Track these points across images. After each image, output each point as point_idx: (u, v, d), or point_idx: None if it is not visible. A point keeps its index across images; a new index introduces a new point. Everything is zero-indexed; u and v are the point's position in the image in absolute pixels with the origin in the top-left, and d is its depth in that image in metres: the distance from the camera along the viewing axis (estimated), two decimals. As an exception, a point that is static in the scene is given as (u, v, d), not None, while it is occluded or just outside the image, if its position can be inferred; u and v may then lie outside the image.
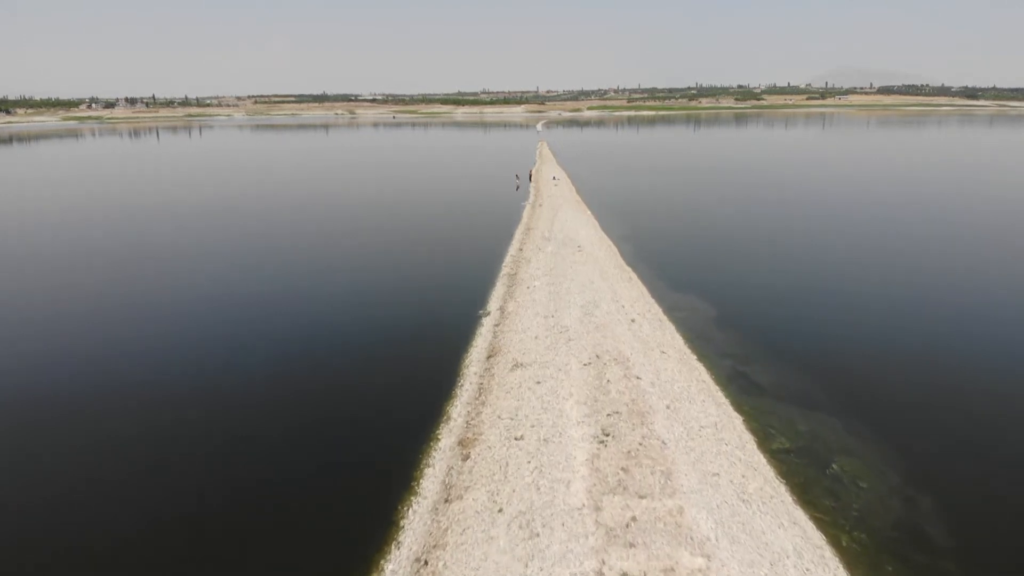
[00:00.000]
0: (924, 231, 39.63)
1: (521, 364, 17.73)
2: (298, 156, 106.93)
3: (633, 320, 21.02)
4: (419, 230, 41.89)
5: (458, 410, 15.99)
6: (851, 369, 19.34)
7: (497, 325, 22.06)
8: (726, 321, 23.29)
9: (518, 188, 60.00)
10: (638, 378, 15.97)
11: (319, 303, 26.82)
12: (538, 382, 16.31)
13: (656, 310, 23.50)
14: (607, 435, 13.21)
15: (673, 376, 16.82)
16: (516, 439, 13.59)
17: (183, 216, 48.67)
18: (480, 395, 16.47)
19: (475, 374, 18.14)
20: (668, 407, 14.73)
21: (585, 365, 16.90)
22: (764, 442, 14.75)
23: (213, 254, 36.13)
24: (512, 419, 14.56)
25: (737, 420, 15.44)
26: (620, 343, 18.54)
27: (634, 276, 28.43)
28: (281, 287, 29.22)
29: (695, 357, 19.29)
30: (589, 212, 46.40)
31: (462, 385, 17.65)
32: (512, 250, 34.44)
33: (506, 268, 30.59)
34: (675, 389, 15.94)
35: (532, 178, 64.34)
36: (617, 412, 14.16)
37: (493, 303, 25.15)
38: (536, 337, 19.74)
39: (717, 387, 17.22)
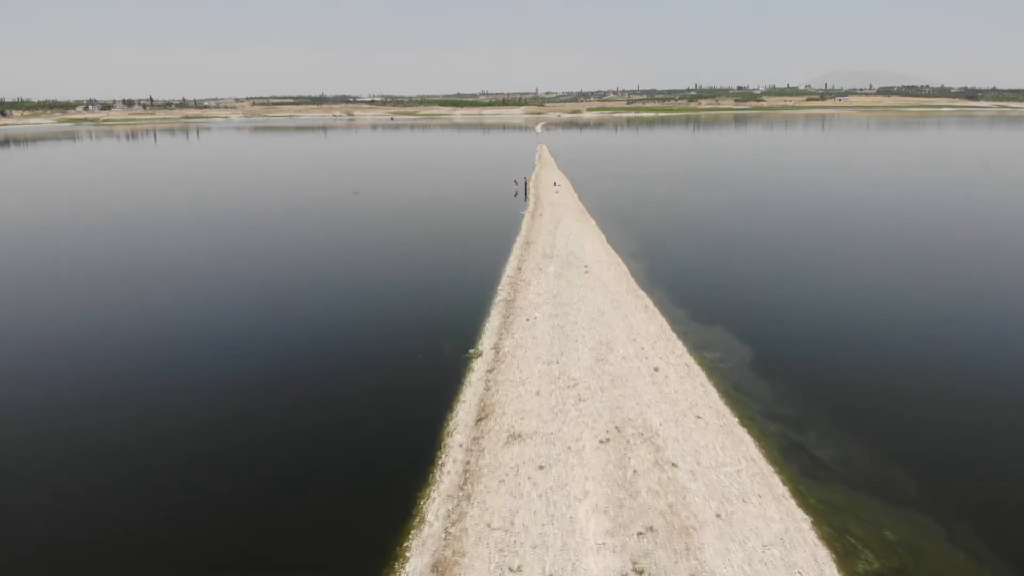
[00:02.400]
0: (974, 240, 35.80)
1: (519, 435, 13.87)
2: (291, 161, 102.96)
3: (656, 369, 17.15)
4: (407, 243, 37.98)
5: (435, 507, 12.11)
6: (942, 437, 15.47)
7: (490, 371, 18.20)
8: (766, 364, 19.44)
9: (517, 194, 56.18)
10: (674, 465, 12.11)
11: (278, 339, 22.90)
12: (541, 467, 12.45)
13: (680, 350, 19.63)
14: (640, 572, 9.36)
15: (717, 457, 12.95)
16: (512, 571, 9.73)
17: (175, 221, 44.87)
18: (465, 483, 12.60)
19: (460, 446, 14.26)
20: (719, 515, 10.87)
21: (602, 443, 13.03)
22: (846, 561, 10.90)
23: (188, 266, 32.22)
24: (506, 531, 10.71)
25: (805, 524, 11.58)
26: (644, 405, 14.69)
27: (650, 303, 24.56)
28: (231, 309, 25.35)
29: (736, 420, 15.44)
30: (593, 222, 42.58)
31: (443, 464, 13.76)
32: (509, 269, 30.57)
33: (502, 292, 26.73)
34: (722, 480, 12.08)
35: (531, 184, 60.47)
36: (651, 528, 10.31)
37: (486, 339, 21.27)
38: (538, 393, 15.88)
39: (771, 468, 13.35)
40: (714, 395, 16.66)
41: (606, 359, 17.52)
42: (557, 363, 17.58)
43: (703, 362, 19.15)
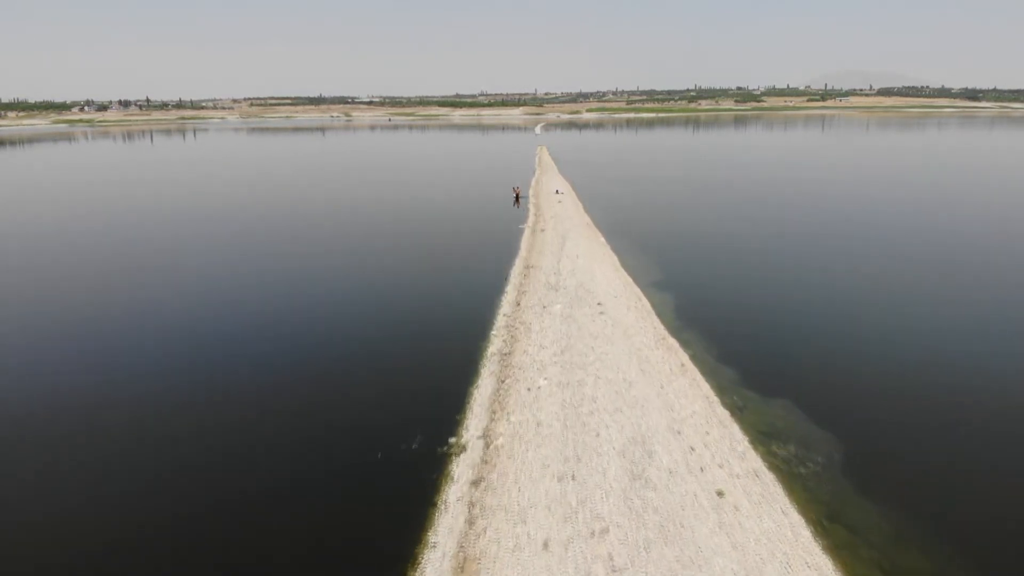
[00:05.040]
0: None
1: (516, 647, 8.38)
2: (271, 167, 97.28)
3: (721, 493, 11.69)
4: (387, 263, 32.45)
5: None
6: None
7: (476, 483, 12.72)
8: (856, 456, 14.00)
9: (515, 203, 50.74)
10: None
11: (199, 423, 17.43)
12: None
13: (742, 445, 14.15)
14: None
15: None
16: None
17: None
18: None
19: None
20: None
21: None
22: None
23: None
24: None
25: None
26: (717, 585, 9.20)
27: (686, 360, 19.06)
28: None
29: (854, 592, 9.96)
30: (602, 238, 37.14)
31: None
32: (506, 303, 25.12)
33: (497, 339, 21.26)
34: None
35: (531, 191, 55.07)
36: None
37: (473, 420, 15.77)
38: (546, 545, 10.41)
39: None
40: (805, 534, 11.16)
41: (645, 475, 12.04)
42: (573, 479, 12.10)
43: (775, 464, 13.66)
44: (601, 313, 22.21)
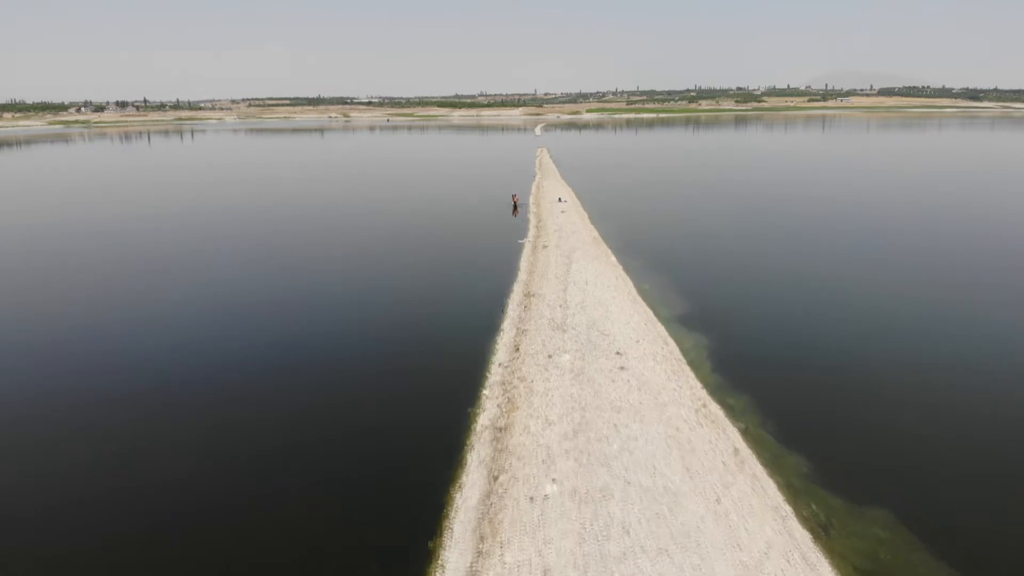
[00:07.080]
0: None
1: None
2: (261, 171, 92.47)
3: None
4: (365, 291, 27.72)
5: None
6: None
7: None
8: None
9: (514, 211, 46.26)
10: None
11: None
12: None
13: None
14: None
15: None
16: None
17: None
18: None
19: None
20: None
21: None
22: None
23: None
24: None
25: None
26: None
27: (740, 443, 14.36)
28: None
29: None
30: (613, 258, 32.46)
31: None
32: (502, 348, 20.47)
33: (490, 402, 16.65)
34: None
35: (531, 199, 50.46)
36: None
37: (451, 552, 11.08)
38: None
39: None
40: None
41: None
42: None
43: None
44: (622, 368, 17.57)
